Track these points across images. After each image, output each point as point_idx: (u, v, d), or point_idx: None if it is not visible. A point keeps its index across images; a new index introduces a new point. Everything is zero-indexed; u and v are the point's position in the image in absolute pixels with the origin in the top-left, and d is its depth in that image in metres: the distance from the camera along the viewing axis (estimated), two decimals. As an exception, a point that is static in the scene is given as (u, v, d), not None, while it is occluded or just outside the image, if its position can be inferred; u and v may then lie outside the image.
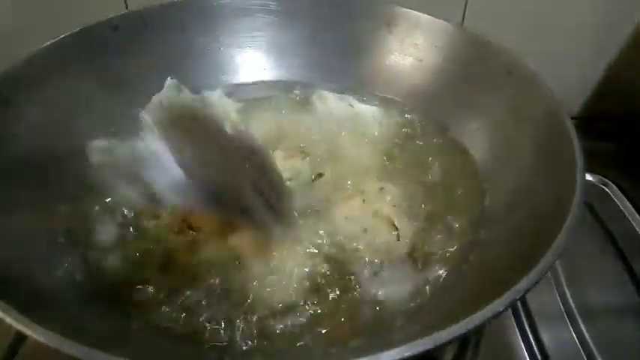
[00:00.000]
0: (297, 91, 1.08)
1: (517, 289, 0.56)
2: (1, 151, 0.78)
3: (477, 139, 0.93)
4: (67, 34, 0.93)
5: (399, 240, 0.80)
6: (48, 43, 0.91)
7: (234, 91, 1.07)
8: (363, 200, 0.84)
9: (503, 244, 0.75)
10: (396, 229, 0.81)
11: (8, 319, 0.52)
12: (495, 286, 0.58)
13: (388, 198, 0.86)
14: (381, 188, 0.87)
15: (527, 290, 0.56)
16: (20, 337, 0.83)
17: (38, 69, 0.88)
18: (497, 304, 0.54)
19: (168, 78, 1.01)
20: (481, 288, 0.70)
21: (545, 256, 0.59)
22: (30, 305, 0.57)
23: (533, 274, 0.57)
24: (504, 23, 1.18)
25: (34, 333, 0.51)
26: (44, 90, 0.87)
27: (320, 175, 0.89)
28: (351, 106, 1.02)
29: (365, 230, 0.81)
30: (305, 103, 1.05)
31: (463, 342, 0.86)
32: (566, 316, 0.94)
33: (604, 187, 1.16)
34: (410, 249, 0.80)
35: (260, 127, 0.98)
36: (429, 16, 1.02)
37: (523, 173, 0.80)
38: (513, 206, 0.80)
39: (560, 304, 0.95)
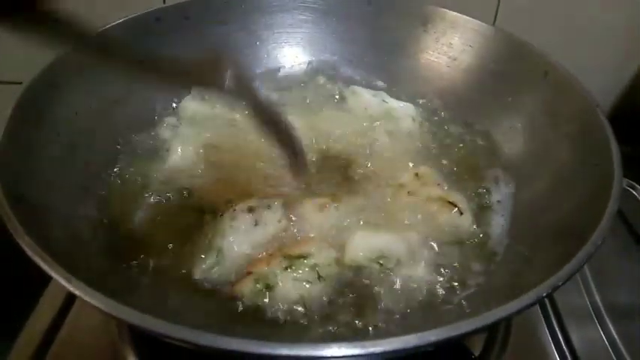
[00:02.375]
0: (331, 87, 1.10)
1: (547, 284, 0.57)
2: (51, 132, 0.81)
3: (510, 138, 0.95)
4: (111, 24, 0.96)
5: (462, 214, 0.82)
6: (96, 31, 0.93)
7: (270, 85, 1.09)
8: (408, 192, 0.86)
9: (532, 244, 0.76)
10: (455, 205, 0.83)
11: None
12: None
13: (429, 180, 0.87)
14: (416, 174, 0.88)
15: (565, 282, 0.58)
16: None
17: (84, 57, 0.90)
18: (526, 299, 0.55)
19: (204, 70, 1.05)
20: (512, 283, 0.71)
21: (578, 255, 0.60)
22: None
23: (564, 271, 0.58)
24: (535, 25, 1.18)
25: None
26: (89, 77, 0.90)
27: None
28: (384, 102, 1.03)
29: (426, 219, 0.82)
30: (339, 99, 1.07)
31: (491, 336, 0.87)
32: (594, 316, 0.94)
33: (631, 190, 1.17)
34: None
35: (295, 123, 1.00)
36: (465, 16, 1.03)
37: (557, 172, 0.82)
38: (545, 205, 0.81)
39: (589, 304, 0.96)
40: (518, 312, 0.54)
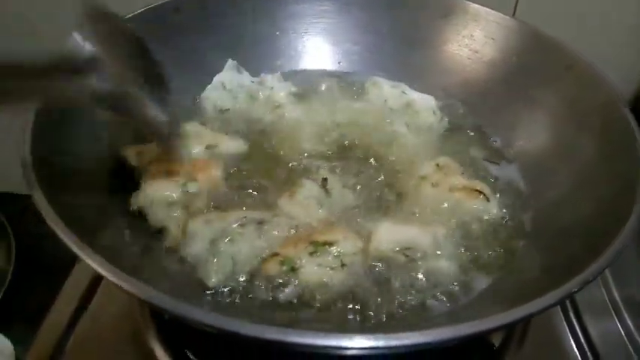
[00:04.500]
0: (351, 78, 1.10)
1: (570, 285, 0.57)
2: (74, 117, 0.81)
3: (532, 132, 0.94)
4: (130, 14, 0.96)
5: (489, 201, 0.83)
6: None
7: (290, 75, 1.09)
8: (432, 184, 0.86)
9: (555, 242, 0.76)
10: (480, 192, 0.83)
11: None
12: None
13: (451, 170, 0.87)
14: (437, 165, 0.88)
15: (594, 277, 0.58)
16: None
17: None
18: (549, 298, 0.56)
19: (229, 59, 1.06)
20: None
21: (606, 252, 0.61)
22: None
23: (592, 270, 0.59)
24: (554, 18, 1.17)
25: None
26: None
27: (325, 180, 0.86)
28: (404, 93, 1.03)
29: (452, 209, 0.83)
30: (359, 90, 1.07)
31: (509, 332, 0.87)
32: (612, 310, 0.95)
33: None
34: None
35: (315, 114, 1.01)
36: (487, 8, 1.03)
37: (580, 168, 0.81)
38: (568, 202, 0.81)
39: (607, 298, 0.96)
40: (546, 309, 0.55)
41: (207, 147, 0.91)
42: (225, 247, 0.74)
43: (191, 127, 0.94)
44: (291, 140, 0.95)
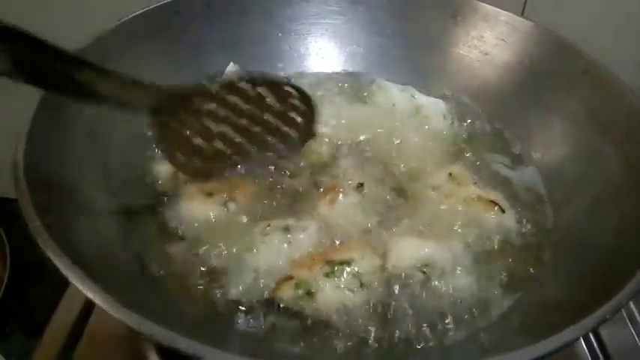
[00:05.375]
0: (357, 81, 1.06)
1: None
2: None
3: (547, 140, 0.92)
4: (130, 15, 0.92)
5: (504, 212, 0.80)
6: (112, 25, 0.90)
7: (294, 78, 1.05)
8: (445, 195, 0.83)
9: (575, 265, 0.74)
10: (495, 204, 0.80)
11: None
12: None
13: (464, 180, 0.85)
14: (450, 174, 0.85)
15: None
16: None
17: (102, 49, 0.87)
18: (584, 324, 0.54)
19: (230, 63, 1.02)
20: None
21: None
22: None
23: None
24: (564, 16, 1.14)
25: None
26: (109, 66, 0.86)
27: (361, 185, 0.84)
28: (413, 97, 0.99)
29: (467, 222, 0.80)
30: (366, 94, 1.03)
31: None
32: (625, 315, 0.93)
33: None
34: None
35: (320, 119, 0.97)
36: (497, 9, 0.99)
37: (604, 177, 0.79)
38: (589, 221, 0.78)
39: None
40: (576, 339, 0.53)
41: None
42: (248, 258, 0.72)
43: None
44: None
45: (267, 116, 0.81)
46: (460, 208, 0.81)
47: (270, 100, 0.81)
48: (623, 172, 0.76)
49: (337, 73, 1.09)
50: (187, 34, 0.99)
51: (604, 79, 0.85)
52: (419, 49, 1.05)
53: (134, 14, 0.92)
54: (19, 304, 1.29)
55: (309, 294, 0.69)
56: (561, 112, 0.90)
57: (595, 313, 0.54)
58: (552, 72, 0.92)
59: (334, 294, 0.69)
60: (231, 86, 0.79)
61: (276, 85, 0.81)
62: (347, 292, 0.69)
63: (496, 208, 0.80)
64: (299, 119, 0.83)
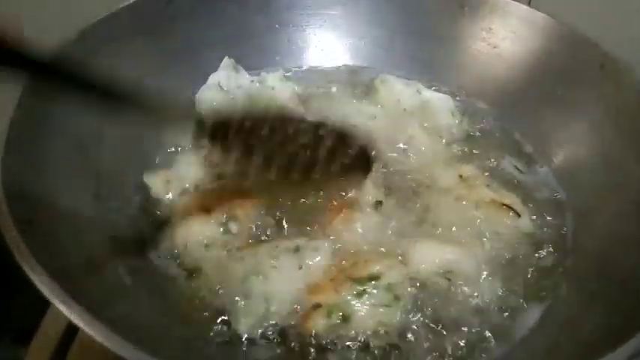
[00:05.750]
0: (358, 76, 1.01)
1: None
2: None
3: (563, 139, 0.87)
4: (121, 5, 0.86)
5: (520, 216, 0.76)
6: (102, 16, 0.84)
7: (292, 73, 1.00)
8: (456, 198, 0.78)
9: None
10: (510, 208, 0.76)
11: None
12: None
13: (476, 182, 0.80)
14: (460, 176, 0.81)
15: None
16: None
17: (92, 41, 0.81)
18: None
19: (226, 57, 0.96)
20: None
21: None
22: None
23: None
24: (572, 6, 1.09)
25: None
26: (98, 61, 0.80)
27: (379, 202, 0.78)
28: (418, 92, 0.94)
29: (483, 227, 0.75)
30: (369, 90, 0.98)
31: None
32: None
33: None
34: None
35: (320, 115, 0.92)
36: (508, -1, 0.94)
37: (624, 180, 0.75)
38: (613, 217, 0.74)
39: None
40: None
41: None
42: (257, 286, 0.65)
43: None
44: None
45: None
46: (472, 213, 0.76)
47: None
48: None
49: (337, 67, 1.03)
50: (180, 26, 0.94)
51: (623, 75, 0.81)
52: (424, 41, 1.00)
53: (123, 4, 0.86)
54: (6, 312, 1.24)
55: (345, 319, 0.63)
56: (578, 109, 0.86)
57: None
58: (566, 66, 0.88)
59: (370, 314, 0.64)
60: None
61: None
62: (383, 309, 0.64)
63: (511, 214, 0.76)
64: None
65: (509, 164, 0.87)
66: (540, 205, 0.81)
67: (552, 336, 0.65)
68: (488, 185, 0.80)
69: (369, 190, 0.78)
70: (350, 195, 0.77)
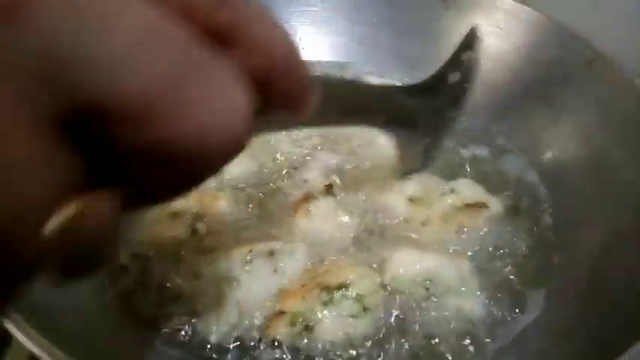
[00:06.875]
0: (338, 75, 0.96)
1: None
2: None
3: (551, 140, 0.84)
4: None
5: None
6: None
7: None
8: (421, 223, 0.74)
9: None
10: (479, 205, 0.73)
11: None
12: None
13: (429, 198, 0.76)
14: (452, 189, 0.76)
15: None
16: None
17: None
18: None
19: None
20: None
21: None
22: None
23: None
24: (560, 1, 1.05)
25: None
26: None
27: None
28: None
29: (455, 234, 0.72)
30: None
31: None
32: None
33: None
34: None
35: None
36: (492, -7, 0.90)
37: (618, 195, 0.71)
38: (605, 247, 0.70)
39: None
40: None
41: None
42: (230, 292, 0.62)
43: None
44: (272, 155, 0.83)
45: None
46: (444, 225, 0.72)
47: None
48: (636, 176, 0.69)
49: (315, 67, 0.99)
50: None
51: (611, 73, 0.77)
52: (406, 37, 0.96)
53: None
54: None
55: (308, 329, 0.60)
56: (565, 109, 0.82)
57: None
58: (553, 63, 0.84)
59: (336, 324, 0.61)
60: None
61: None
62: (350, 319, 0.61)
63: (482, 208, 0.73)
64: None
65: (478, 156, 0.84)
66: (514, 196, 0.79)
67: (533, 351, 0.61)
68: (442, 194, 0.76)
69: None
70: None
